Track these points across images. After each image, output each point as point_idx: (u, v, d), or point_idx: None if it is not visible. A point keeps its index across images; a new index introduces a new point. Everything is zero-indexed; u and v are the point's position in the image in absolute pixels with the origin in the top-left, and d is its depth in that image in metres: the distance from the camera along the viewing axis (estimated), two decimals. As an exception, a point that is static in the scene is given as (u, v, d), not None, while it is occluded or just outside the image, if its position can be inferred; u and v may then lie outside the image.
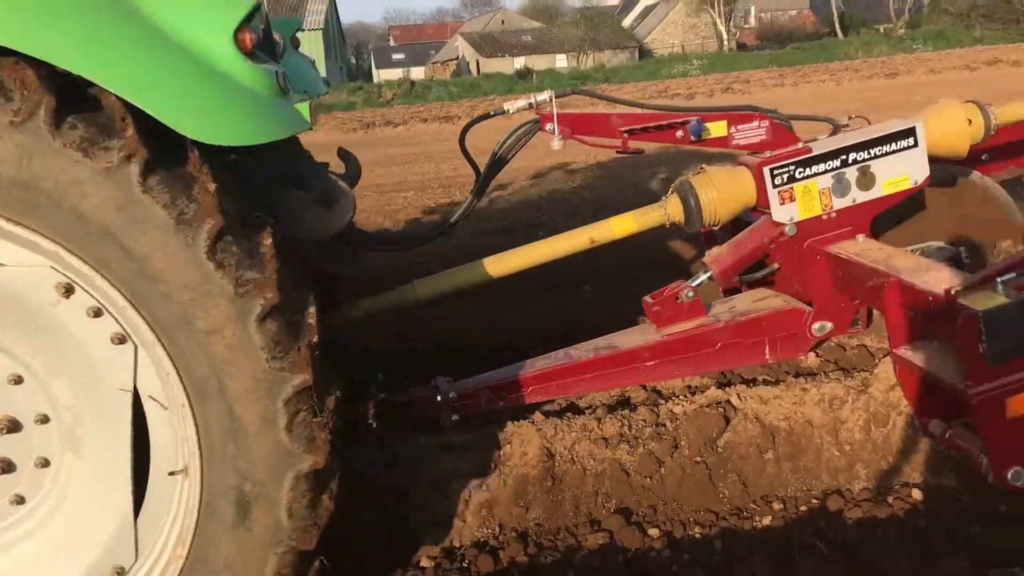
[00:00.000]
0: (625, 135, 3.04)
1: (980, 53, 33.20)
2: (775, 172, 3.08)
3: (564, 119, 2.99)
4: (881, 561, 2.67)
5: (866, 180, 3.09)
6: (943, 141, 3.14)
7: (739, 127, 3.08)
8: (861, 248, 3.00)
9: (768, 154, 3.11)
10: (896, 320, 2.75)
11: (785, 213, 3.10)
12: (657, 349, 3.15)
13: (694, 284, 3.19)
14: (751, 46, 51.61)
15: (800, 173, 3.08)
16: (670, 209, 3.17)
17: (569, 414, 3.31)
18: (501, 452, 3.07)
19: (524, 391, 3.18)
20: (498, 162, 3.14)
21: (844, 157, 3.09)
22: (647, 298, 3.21)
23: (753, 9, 57.56)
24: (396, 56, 72.98)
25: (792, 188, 3.09)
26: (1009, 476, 2.44)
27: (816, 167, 3.09)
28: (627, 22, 61.30)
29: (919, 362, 2.65)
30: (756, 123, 3.08)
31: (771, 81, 30.25)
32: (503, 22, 64.45)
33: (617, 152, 3.09)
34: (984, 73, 22.80)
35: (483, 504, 2.98)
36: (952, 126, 3.13)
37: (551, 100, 2.98)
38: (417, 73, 62.90)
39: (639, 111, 3.08)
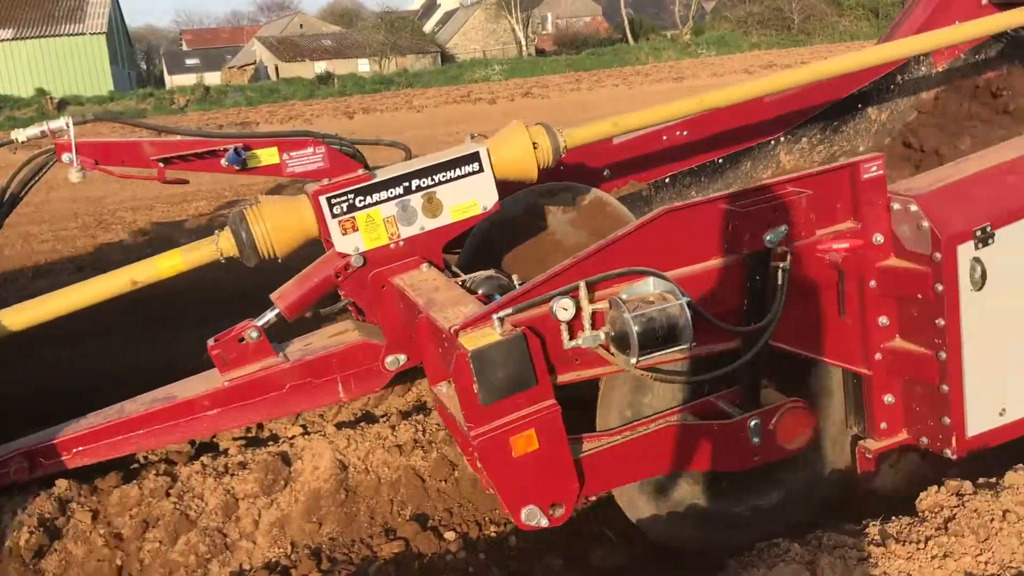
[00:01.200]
0: (160, 165, 2.76)
1: (757, 57, 35.72)
2: (333, 201, 2.90)
3: (85, 148, 2.67)
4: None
5: (432, 207, 2.98)
6: (511, 165, 3.08)
7: (292, 154, 2.88)
8: (418, 279, 2.88)
9: (325, 182, 2.93)
10: (428, 356, 2.64)
11: (349, 243, 2.93)
12: (219, 396, 2.90)
13: (259, 323, 2.96)
14: (549, 51, 52.96)
15: (361, 201, 2.93)
16: (222, 244, 2.93)
17: (363, 424, 3.34)
18: (292, 468, 3.03)
19: (66, 455, 2.83)
20: (10, 200, 2.77)
21: (408, 184, 2.96)
22: (210, 341, 2.95)
23: (550, 16, 59.21)
24: (190, 61, 69.39)
25: (354, 217, 2.92)
26: (523, 516, 2.37)
27: (378, 195, 2.94)
28: (428, 27, 61.35)
29: (446, 401, 2.55)
30: (311, 149, 2.89)
31: (568, 86, 31.12)
32: (301, 26, 62.74)
33: (163, 183, 2.80)
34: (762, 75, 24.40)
35: (274, 523, 2.92)
36: (518, 150, 3.07)
37: (69, 127, 2.65)
38: (213, 79, 60.03)
39: (177, 138, 2.81)
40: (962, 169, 2.63)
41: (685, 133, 4.10)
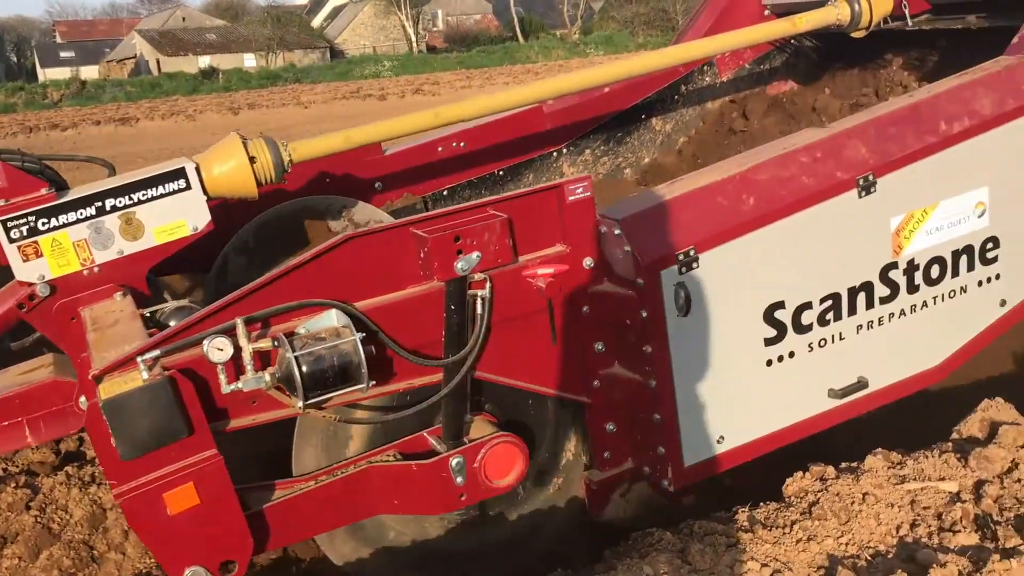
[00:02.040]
0: None
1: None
2: (10, 224, 2.59)
3: None
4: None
5: (132, 229, 2.71)
6: (225, 181, 2.83)
7: (-52, 173, 2.56)
8: (103, 310, 2.60)
9: (2, 203, 2.63)
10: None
11: (32, 271, 2.63)
12: None
13: (-72, 363, 2.64)
14: (440, 49, 52.64)
15: (44, 224, 2.62)
16: None
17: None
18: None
19: None
20: None
21: (101, 204, 2.67)
22: None
23: (440, 13, 58.78)
24: (64, 54, 65.86)
25: (36, 242, 2.63)
26: (186, 577, 2.14)
27: (65, 216, 2.64)
28: (316, 22, 60.00)
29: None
30: (-16, 167, 2.58)
31: (459, 83, 30.96)
32: (184, 19, 60.34)
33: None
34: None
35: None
36: (232, 165, 2.83)
37: None
38: (90, 72, 57.33)
39: None
40: (673, 190, 2.54)
41: (462, 144, 3.94)
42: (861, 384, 2.74)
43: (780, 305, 2.57)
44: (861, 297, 2.68)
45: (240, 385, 2.12)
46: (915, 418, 3.02)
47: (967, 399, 2.99)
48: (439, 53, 51.65)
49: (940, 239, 2.76)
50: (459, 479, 2.41)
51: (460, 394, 2.39)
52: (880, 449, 2.73)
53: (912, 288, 2.75)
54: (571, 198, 2.44)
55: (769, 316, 2.57)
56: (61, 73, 56.63)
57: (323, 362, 2.10)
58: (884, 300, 2.72)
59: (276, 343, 2.14)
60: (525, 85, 3.54)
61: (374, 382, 2.19)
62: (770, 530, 2.45)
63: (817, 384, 2.70)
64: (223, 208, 2.94)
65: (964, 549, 2.27)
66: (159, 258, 2.78)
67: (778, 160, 2.59)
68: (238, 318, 2.11)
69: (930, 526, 2.38)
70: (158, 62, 55.09)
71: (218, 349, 2.09)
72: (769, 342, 2.59)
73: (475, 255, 2.28)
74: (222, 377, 2.11)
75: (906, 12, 3.75)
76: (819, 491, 2.56)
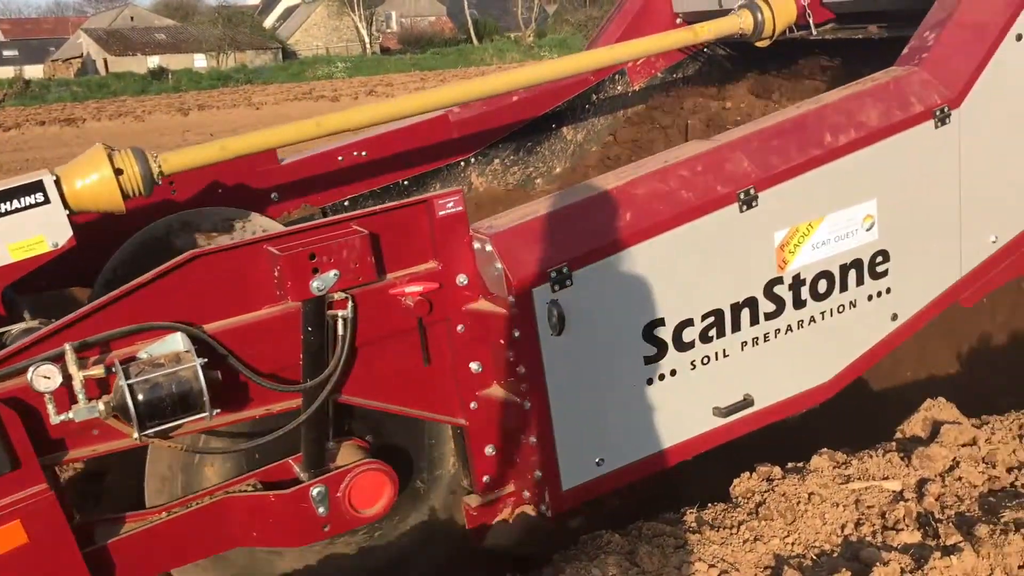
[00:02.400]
0: None
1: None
2: None
3: None
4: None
5: (-16, 245, 2.55)
6: (89, 195, 2.68)
7: None
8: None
9: None
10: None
11: None
12: None
13: None
14: (394, 50, 52.31)
15: None
16: None
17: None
18: None
19: None
20: None
21: (-59, 218, 2.52)
22: None
23: (394, 14, 58.44)
24: (7, 53, 64.25)
25: None
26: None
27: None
28: (268, 22, 59.25)
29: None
30: None
31: (413, 84, 30.77)
32: (132, 19, 59.16)
33: None
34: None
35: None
36: (95, 177, 2.68)
37: None
38: (34, 72, 56.01)
39: None
40: (549, 205, 2.46)
41: (364, 153, 3.83)
42: (747, 402, 2.69)
43: (660, 322, 2.50)
44: (745, 313, 2.63)
45: (71, 415, 1.98)
46: (861, 417, 3.05)
47: (911, 398, 3.02)
48: (393, 54, 51.35)
49: (827, 253, 2.72)
50: (321, 509, 2.30)
51: (320, 420, 2.28)
52: (826, 449, 2.74)
53: (799, 303, 2.71)
54: (441, 212, 2.34)
55: (649, 334, 2.50)
56: (4, 72, 55.22)
57: (160, 390, 1.98)
58: (769, 316, 2.67)
59: (112, 369, 2.01)
60: (419, 93, 3.43)
61: (219, 409, 2.07)
62: (717, 531, 2.45)
63: (701, 402, 2.63)
64: (112, 220, 2.80)
65: (907, 547, 2.29)
66: (15, 276, 2.61)
67: (657, 174, 2.52)
68: (67, 344, 1.98)
69: (874, 525, 2.41)
70: (105, 62, 53.99)
71: (44, 377, 1.95)
72: (650, 360, 2.51)
73: (332, 274, 2.17)
74: (51, 407, 1.98)
75: (810, 21, 3.72)
76: (766, 491, 2.56)
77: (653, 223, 2.45)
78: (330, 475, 2.31)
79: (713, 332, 2.59)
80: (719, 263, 2.56)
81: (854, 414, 3.03)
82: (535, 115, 4.17)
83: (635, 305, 2.47)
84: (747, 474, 2.67)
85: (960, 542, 2.25)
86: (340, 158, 3.79)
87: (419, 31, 54.61)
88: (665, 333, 2.52)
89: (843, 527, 2.42)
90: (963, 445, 2.73)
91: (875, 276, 2.81)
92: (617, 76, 4.34)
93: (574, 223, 2.40)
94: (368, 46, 53.36)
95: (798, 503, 2.49)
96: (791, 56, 4.11)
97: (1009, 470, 2.63)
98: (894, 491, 2.52)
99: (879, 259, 2.80)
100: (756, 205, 2.56)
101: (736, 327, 2.62)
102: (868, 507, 2.47)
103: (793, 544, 2.41)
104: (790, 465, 2.70)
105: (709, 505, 2.59)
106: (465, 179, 4.12)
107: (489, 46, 48.88)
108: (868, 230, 2.77)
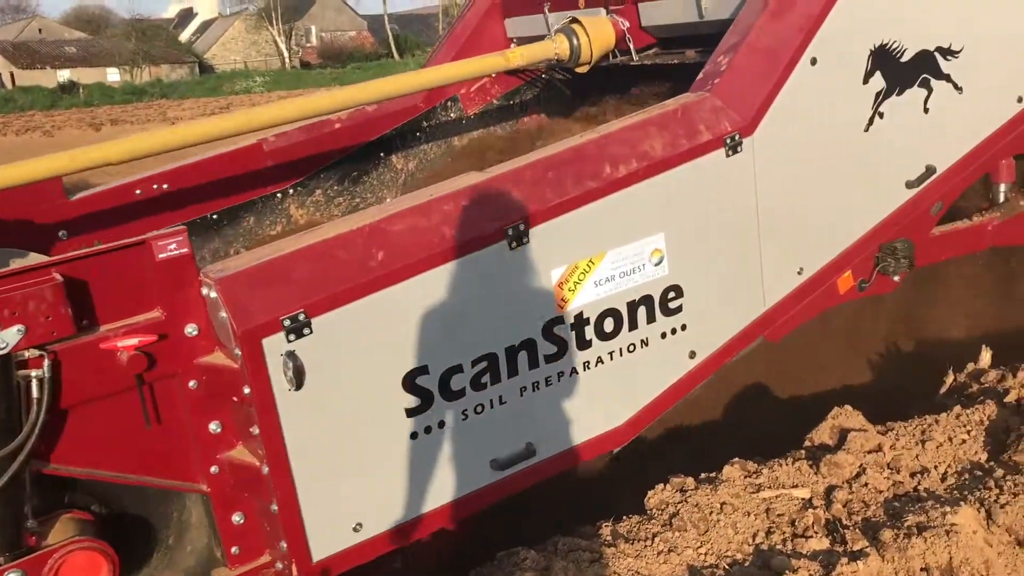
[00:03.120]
0: None
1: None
2: None
3: None
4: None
5: None
6: None
7: None
8: None
9: None
10: None
11: None
12: None
13: None
14: (314, 64, 51.58)
15: None
16: None
17: None
18: None
19: None
20: None
21: None
22: None
23: (314, 28, 57.71)
24: (-95, 65, 61.37)
25: None
26: None
27: None
28: (184, 36, 57.89)
29: None
30: None
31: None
32: (40, 31, 57.15)
33: None
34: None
35: None
36: None
37: None
38: (-66, 85, 53.58)
39: None
40: (295, 243, 2.24)
41: (165, 186, 3.56)
42: (529, 452, 2.50)
43: (423, 370, 2.30)
44: (523, 356, 2.45)
45: None
46: (773, 426, 3.09)
47: (820, 407, 3.06)
48: (313, 69, 50.65)
49: (612, 290, 2.56)
50: (27, 597, 2.02)
51: (14, 496, 2.01)
52: (737, 459, 2.76)
53: (583, 344, 2.54)
54: (162, 255, 2.11)
55: (410, 383, 2.29)
56: (-99, 86, 52.72)
57: None
58: (551, 358, 2.49)
59: None
60: (221, 117, 3.20)
61: None
62: (632, 543, 2.44)
63: (476, 455, 2.44)
64: None
65: (815, 554, 2.34)
66: None
67: (419, 209, 2.33)
68: None
69: (784, 532, 2.45)
70: (12, 75, 52.01)
71: None
72: (413, 412, 2.31)
73: (15, 329, 1.91)
74: None
75: (631, 46, 3.60)
76: (679, 502, 2.57)
77: (410, 263, 2.25)
78: (29, 558, 2.03)
79: (487, 378, 2.40)
80: (489, 304, 2.38)
81: (767, 422, 3.09)
82: (359, 142, 3.96)
83: (392, 353, 2.26)
84: (661, 486, 2.67)
85: (866, 547, 2.29)
86: (138, 191, 3.52)
87: (339, 46, 53.96)
88: (430, 382, 2.32)
89: (754, 536, 2.45)
90: (869, 452, 2.77)
91: (668, 313, 2.67)
92: (449, 103, 4.16)
93: (315, 265, 2.19)
94: (287, 60, 52.52)
95: (711, 513, 2.51)
96: (629, 82, 4.00)
97: (912, 475, 2.68)
98: (803, 499, 2.56)
99: (671, 295, 2.66)
100: (527, 242, 2.39)
101: (513, 371, 2.44)
102: (779, 515, 2.50)
103: (706, 554, 2.43)
104: (703, 475, 2.71)
105: (624, 518, 2.58)
106: (283, 211, 3.88)
107: (410, 61, 48.58)
108: (657, 265, 2.62)
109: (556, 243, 2.44)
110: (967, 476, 2.66)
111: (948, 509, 2.35)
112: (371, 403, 2.25)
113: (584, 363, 2.55)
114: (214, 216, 3.70)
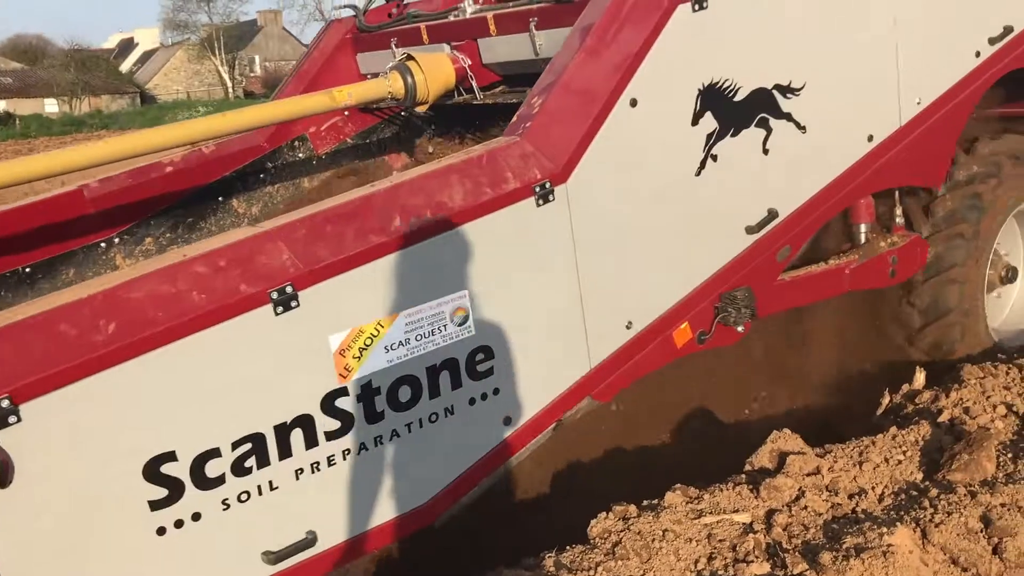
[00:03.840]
0: None
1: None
2: None
3: None
4: None
5: None
6: None
7: None
8: None
9: None
10: None
11: None
12: None
13: None
14: (258, 94, 51.06)
15: None
16: None
17: None
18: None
19: None
20: None
21: None
22: None
23: (258, 58, 57.19)
24: None
25: None
26: None
27: None
28: (125, 66, 56.86)
29: None
30: None
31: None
32: (-26, 61, 55.93)
33: None
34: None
35: None
36: None
37: None
38: None
39: None
40: (13, 315, 1.96)
41: (-33, 238, 3.25)
42: (309, 541, 2.24)
43: (170, 456, 2.03)
44: (297, 435, 2.18)
45: None
46: (713, 451, 3.08)
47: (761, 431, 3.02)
48: (258, 99, 50.15)
49: (407, 355, 2.31)
50: None
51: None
52: (679, 484, 2.74)
53: (373, 417, 2.29)
54: None
55: (153, 472, 2.01)
56: None
57: None
58: (332, 435, 2.23)
59: None
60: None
61: None
62: (575, 573, 2.40)
63: (243, 549, 2.16)
64: None
65: None
66: None
67: (163, 273, 2.06)
68: None
69: (725, 558, 2.43)
70: (-55, 107, 50.62)
71: None
72: (159, 505, 2.03)
73: None
74: None
75: (474, 84, 3.40)
76: (622, 530, 2.54)
77: (148, 334, 1.98)
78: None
79: (252, 462, 2.13)
80: (252, 378, 2.11)
81: (707, 448, 3.09)
82: (194, 186, 3.68)
83: (128, 439, 1.98)
84: (604, 514, 2.62)
85: (806, 570, 2.29)
86: None
87: (283, 75, 53.53)
88: (179, 469, 2.04)
89: (696, 562, 2.43)
90: (808, 474, 2.77)
91: (476, 377, 2.43)
92: (297, 142, 3.91)
93: (27, 342, 1.91)
94: (231, 90, 51.89)
95: (653, 540, 2.49)
96: (490, 121, 3.79)
97: (850, 496, 2.68)
98: (744, 523, 2.55)
99: (480, 357, 2.43)
100: (297, 305, 2.14)
101: (285, 452, 2.17)
102: (720, 540, 2.48)
103: (649, 582, 2.37)
104: (645, 502, 2.68)
105: (567, 547, 2.52)
106: (108, 261, 3.58)
107: (357, 91, 48.36)
108: (461, 325, 2.39)
109: (334, 306, 2.19)
110: (903, 496, 2.64)
111: (885, 530, 2.31)
112: (104, 498, 1.97)
113: (375, 438, 2.30)
114: (26, 269, 3.39)
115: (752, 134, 2.84)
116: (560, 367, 2.59)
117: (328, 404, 2.22)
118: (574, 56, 2.59)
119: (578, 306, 2.58)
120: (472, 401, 2.44)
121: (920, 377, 3.39)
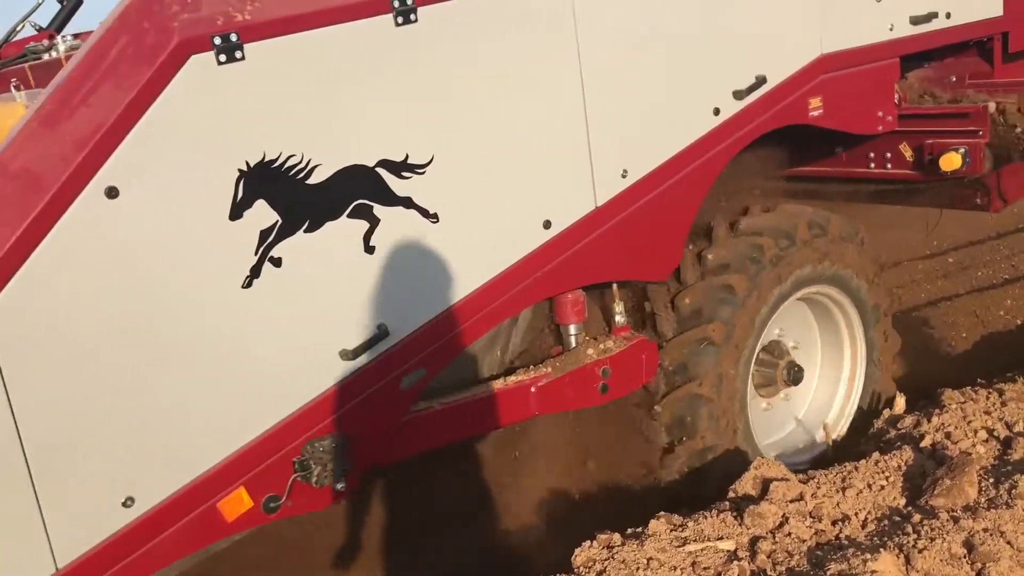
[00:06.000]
0: None
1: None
2: None
3: None
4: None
5: None
6: None
7: None
8: None
9: None
10: None
11: None
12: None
13: None
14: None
15: None
16: None
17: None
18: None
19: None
20: None
21: None
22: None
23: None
24: None
25: None
26: None
27: None
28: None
29: None
30: None
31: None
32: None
33: None
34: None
35: None
36: None
37: None
38: None
39: None
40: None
41: None
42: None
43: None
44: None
45: None
46: (699, 477, 3.16)
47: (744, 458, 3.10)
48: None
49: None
50: None
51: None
52: (663, 512, 2.76)
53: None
54: None
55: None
56: None
57: None
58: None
59: None
60: None
61: None
62: None
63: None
64: None
65: None
66: None
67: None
68: None
69: None
70: None
71: None
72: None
73: None
74: None
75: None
76: (606, 559, 2.55)
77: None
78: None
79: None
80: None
81: (693, 474, 3.14)
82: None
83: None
84: (588, 543, 2.65)
85: None
86: None
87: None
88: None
89: None
90: (791, 501, 2.79)
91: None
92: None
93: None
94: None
95: (637, 569, 2.50)
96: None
97: (834, 523, 2.70)
98: (728, 551, 2.57)
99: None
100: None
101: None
102: (704, 568, 2.50)
103: (634, 612, 2.37)
104: (629, 531, 2.71)
105: None
106: None
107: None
108: None
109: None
110: (886, 522, 2.67)
111: (868, 556, 2.35)
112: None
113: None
114: None
115: (344, 227, 2.20)
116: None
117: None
118: (23, 124, 1.86)
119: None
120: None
121: (900, 402, 3.47)
